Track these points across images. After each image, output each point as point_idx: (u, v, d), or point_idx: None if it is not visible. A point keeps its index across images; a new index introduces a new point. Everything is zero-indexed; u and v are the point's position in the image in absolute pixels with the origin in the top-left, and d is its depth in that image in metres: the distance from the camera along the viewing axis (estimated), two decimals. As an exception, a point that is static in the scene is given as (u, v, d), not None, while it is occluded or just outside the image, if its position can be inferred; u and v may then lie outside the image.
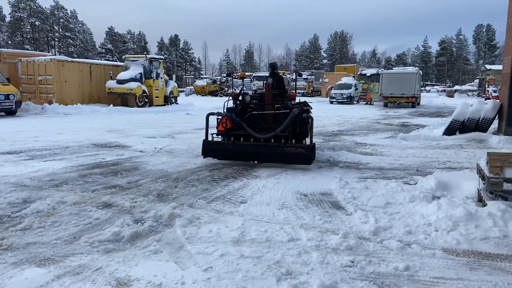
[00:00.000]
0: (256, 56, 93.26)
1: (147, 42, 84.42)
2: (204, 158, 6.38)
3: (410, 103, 23.06)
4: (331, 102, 26.83)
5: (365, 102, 27.17)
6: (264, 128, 6.30)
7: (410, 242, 3.15)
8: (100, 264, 2.70)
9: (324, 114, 17.00)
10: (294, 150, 6.01)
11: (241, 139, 6.32)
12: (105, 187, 4.69)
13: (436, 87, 61.13)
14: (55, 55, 29.68)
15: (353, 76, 32.03)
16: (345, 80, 28.40)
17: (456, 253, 2.97)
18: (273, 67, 7.32)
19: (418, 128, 11.24)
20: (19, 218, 3.55)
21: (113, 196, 4.32)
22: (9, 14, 65.42)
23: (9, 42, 63.31)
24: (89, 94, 18.97)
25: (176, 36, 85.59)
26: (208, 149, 6.32)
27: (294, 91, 7.36)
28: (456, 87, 56.31)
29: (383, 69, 34.10)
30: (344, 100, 26.25)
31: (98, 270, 2.62)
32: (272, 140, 6.16)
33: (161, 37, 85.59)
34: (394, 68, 35.21)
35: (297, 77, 7.89)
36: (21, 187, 4.63)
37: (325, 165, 6.22)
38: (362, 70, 34.37)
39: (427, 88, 58.30)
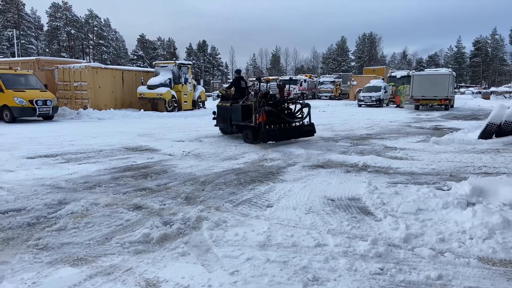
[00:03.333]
0: (282, 60, 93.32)
1: (176, 48, 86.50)
2: (266, 142, 8.64)
3: (443, 106, 22.23)
4: (360, 105, 26.33)
5: (395, 105, 26.48)
6: (286, 116, 9.23)
7: (443, 250, 3.03)
8: (131, 264, 2.78)
9: (352, 118, 16.71)
10: (307, 128, 9.50)
11: (282, 125, 9.13)
12: (135, 190, 4.82)
13: (470, 88, 58.70)
14: (90, 62, 30.95)
15: (382, 79, 31.32)
16: (374, 82, 27.79)
17: (492, 262, 2.83)
18: (239, 72, 10.58)
19: (451, 132, 10.81)
20: (55, 219, 3.72)
21: (143, 198, 4.43)
22: (47, 23, 69.05)
23: (47, 50, 66.71)
24: (121, 100, 19.63)
25: (204, 41, 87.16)
26: (268, 135, 8.58)
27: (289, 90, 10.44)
28: (492, 88, 53.70)
29: (414, 70, 33.14)
30: (373, 103, 25.69)
31: (129, 270, 2.69)
32: (294, 124, 9.35)
33: (190, 43, 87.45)
34: (426, 70, 34.10)
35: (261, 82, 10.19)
36: (57, 189, 4.85)
37: (353, 169, 6.11)
38: (392, 72, 33.51)
39: (461, 90, 56.08)
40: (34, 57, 19.99)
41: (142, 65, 66.80)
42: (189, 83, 21.03)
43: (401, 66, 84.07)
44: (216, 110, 10.08)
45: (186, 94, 20.76)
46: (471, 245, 3.10)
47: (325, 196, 4.54)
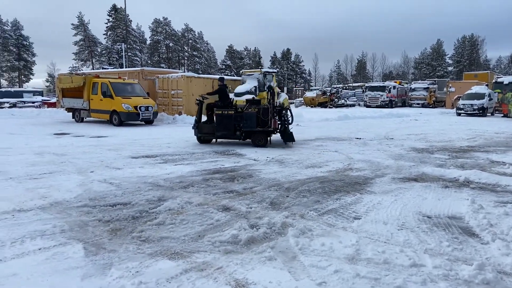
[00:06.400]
0: (369, 66, 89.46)
1: (261, 57, 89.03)
2: (293, 142, 9.91)
3: None
4: (459, 114, 23.89)
5: (502, 115, 23.41)
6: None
7: None
8: (221, 263, 2.90)
9: (450, 127, 15.22)
10: None
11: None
12: (224, 192, 5.06)
13: None
14: (185, 72, 33.54)
15: (487, 85, 27.97)
16: (476, 89, 24.96)
17: None
18: (223, 79, 10.99)
19: None
20: (155, 214, 4.08)
21: (231, 200, 4.62)
22: (149, 37, 77.01)
23: (149, 61, 74.33)
24: (211, 107, 20.84)
25: (288, 50, 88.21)
26: (292, 136, 9.81)
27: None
28: None
29: (527, 75, 28.87)
30: (474, 112, 23.09)
31: (219, 269, 2.82)
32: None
33: (274, 52, 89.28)
34: (542, 74, 29.51)
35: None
36: (157, 186, 5.33)
37: (453, 185, 5.54)
38: (498, 77, 29.72)
39: None
40: (139, 68, 22.40)
41: (229, 74, 70.30)
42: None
43: (509, 71, 74.13)
44: (196, 118, 10.07)
45: (270, 101, 21.18)
46: None
47: (420, 212, 4.19)
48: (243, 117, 9.59)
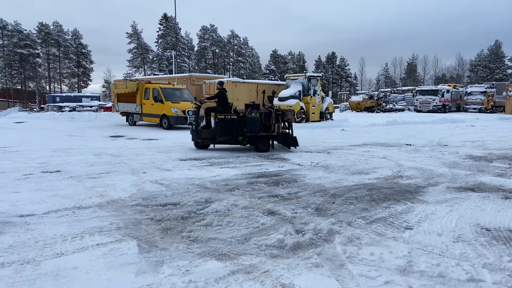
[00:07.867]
0: (419, 69, 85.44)
1: (305, 61, 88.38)
2: (297, 147, 9.80)
3: None
4: (520, 120, 22.08)
5: None
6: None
7: None
8: (267, 267, 2.92)
9: (510, 134, 14.11)
10: None
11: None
12: (269, 196, 5.08)
13: None
14: (230, 77, 34.19)
15: (554, 88, 25.57)
16: (542, 92, 22.92)
17: None
18: (222, 83, 10.68)
19: None
20: (203, 215, 4.20)
21: (276, 204, 4.63)
22: (197, 44, 79.56)
23: (196, 67, 76.74)
24: (255, 111, 21.09)
25: (333, 53, 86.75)
26: (294, 140, 9.73)
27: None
28: None
29: None
30: (539, 118, 21.20)
31: (266, 272, 2.84)
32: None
33: (319, 56, 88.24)
34: None
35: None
36: (204, 188, 5.48)
37: (515, 196, 5.13)
38: None
39: None
40: (187, 74, 23.25)
41: (273, 79, 70.59)
42: (318, 95, 21.18)
43: None
44: (194, 123, 9.78)
45: (314, 106, 20.95)
46: None
47: (477, 224, 3.93)
48: (246, 122, 9.50)
